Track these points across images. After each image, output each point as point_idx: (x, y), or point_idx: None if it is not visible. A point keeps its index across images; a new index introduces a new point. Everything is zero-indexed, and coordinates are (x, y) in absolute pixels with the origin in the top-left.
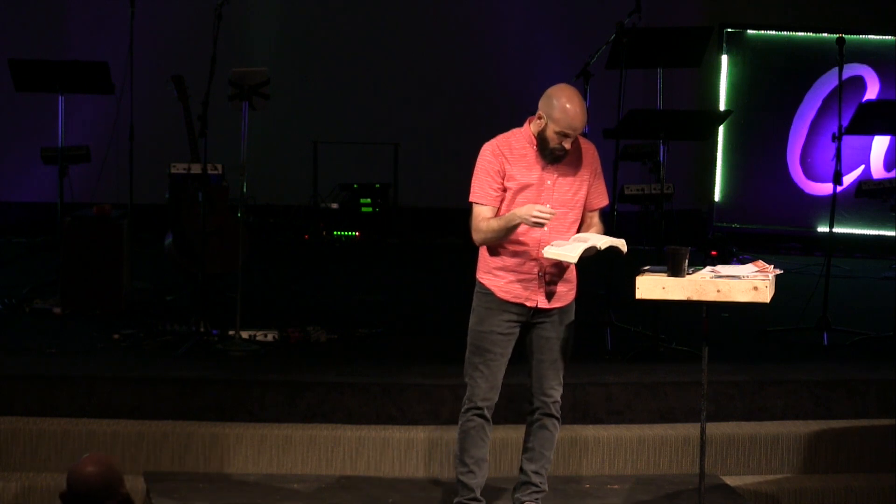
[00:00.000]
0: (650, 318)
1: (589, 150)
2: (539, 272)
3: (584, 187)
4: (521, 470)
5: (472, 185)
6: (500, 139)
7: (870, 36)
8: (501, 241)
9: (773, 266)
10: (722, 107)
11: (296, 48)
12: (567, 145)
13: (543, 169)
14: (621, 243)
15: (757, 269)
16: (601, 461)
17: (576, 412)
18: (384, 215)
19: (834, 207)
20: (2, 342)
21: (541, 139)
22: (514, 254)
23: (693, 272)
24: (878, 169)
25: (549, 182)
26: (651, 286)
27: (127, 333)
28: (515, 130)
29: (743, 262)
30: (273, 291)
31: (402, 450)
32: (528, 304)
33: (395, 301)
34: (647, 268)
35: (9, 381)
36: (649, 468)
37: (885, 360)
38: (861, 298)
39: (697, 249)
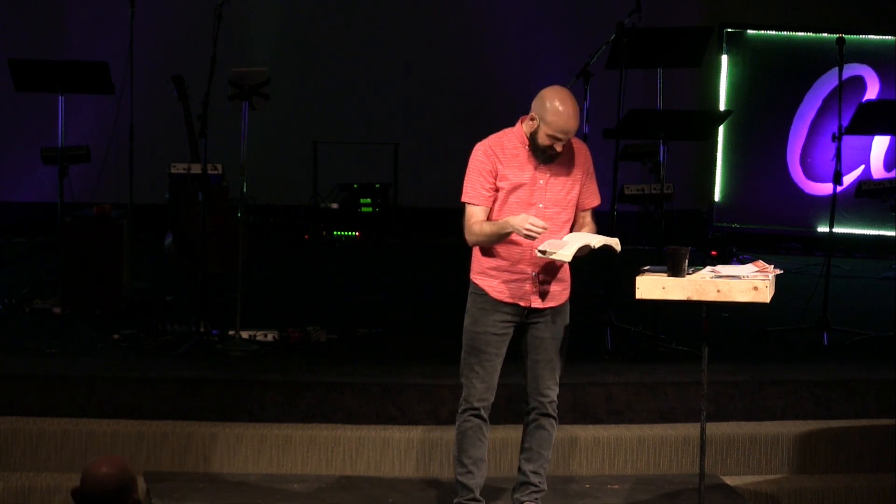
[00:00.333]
0: (650, 318)
1: (581, 150)
2: (533, 272)
3: (576, 187)
4: (520, 470)
5: (465, 185)
6: (493, 139)
7: (870, 36)
8: (494, 244)
9: (773, 266)
10: (722, 107)
11: (296, 48)
12: (559, 147)
13: (536, 169)
14: (615, 242)
15: (757, 269)
16: (601, 461)
17: (576, 412)
18: (384, 215)
19: (834, 207)
20: (2, 342)
21: (533, 140)
22: (508, 254)
23: (693, 272)
24: (878, 169)
25: (541, 182)
26: (651, 286)
27: (127, 333)
28: (507, 130)
29: (743, 262)
30: (273, 291)
31: (402, 450)
32: (522, 304)
33: (395, 301)
34: (647, 268)
35: (9, 381)
36: (649, 468)
37: (885, 360)
38: (861, 298)
39: (697, 249)
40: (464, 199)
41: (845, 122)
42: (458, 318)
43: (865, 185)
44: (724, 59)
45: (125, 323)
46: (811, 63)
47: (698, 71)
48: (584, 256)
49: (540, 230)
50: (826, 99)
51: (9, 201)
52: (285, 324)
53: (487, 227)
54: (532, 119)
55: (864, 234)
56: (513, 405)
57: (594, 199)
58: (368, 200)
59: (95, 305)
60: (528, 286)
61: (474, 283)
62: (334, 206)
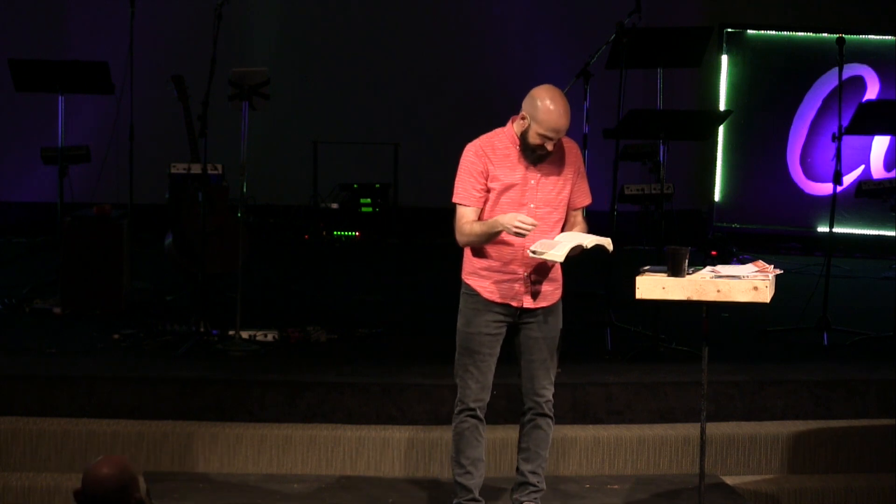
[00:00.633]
0: (650, 318)
1: (572, 150)
2: (524, 272)
3: (567, 186)
4: (518, 471)
5: (455, 185)
6: (483, 139)
7: (870, 36)
8: (484, 244)
9: (773, 266)
10: (722, 107)
11: (296, 48)
12: (550, 147)
13: (527, 168)
14: (607, 242)
15: (757, 269)
16: (601, 461)
17: (576, 412)
18: (384, 215)
19: (834, 207)
20: (2, 342)
21: (524, 139)
22: (500, 254)
23: (693, 272)
24: (878, 169)
25: (532, 182)
26: (651, 286)
27: (127, 333)
28: (498, 130)
29: (743, 262)
30: (273, 291)
31: (402, 450)
32: (515, 304)
33: (395, 301)
34: (647, 268)
35: (9, 381)
36: (649, 468)
37: (885, 360)
38: (861, 298)
39: (697, 249)
40: (454, 199)
41: (845, 122)
42: (458, 318)
43: (865, 185)
44: (724, 59)
45: (125, 323)
46: (811, 63)
47: (698, 71)
48: (577, 256)
49: (529, 227)
50: (826, 99)
51: (9, 201)
52: (285, 324)
53: (477, 227)
54: (523, 118)
55: (864, 234)
56: (512, 405)
57: (585, 199)
58: (368, 200)
59: (95, 305)
60: (519, 286)
61: (466, 283)
62: (334, 206)
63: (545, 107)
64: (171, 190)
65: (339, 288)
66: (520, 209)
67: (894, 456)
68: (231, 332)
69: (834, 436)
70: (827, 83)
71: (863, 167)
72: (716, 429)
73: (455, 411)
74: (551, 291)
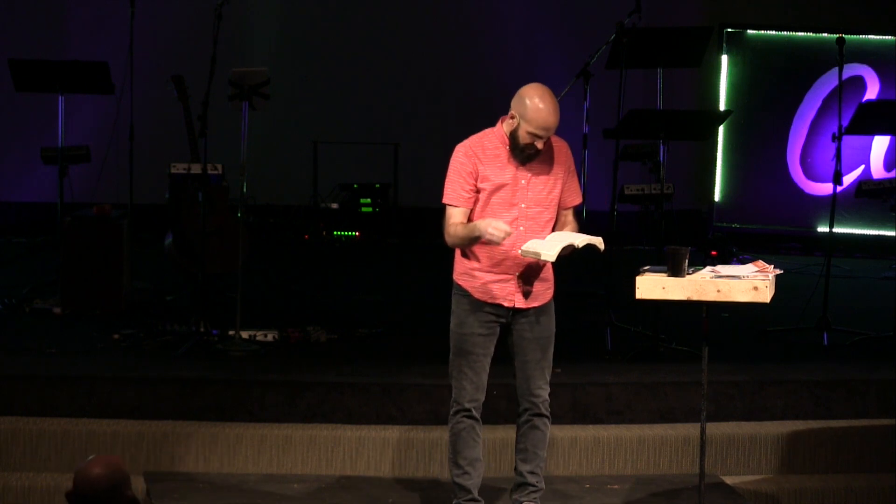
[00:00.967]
0: (650, 318)
1: (562, 149)
2: (516, 272)
3: (558, 185)
4: (517, 472)
5: (445, 186)
6: (473, 140)
7: (870, 36)
8: (469, 246)
9: (773, 266)
10: (722, 107)
11: (296, 48)
12: (540, 145)
13: (517, 168)
14: (598, 241)
15: (757, 269)
16: (601, 461)
17: (576, 412)
18: (384, 215)
19: (834, 207)
20: (2, 342)
21: (513, 139)
22: (491, 254)
23: (693, 272)
24: (878, 169)
25: (523, 181)
26: (651, 286)
27: (127, 333)
28: (488, 130)
29: (743, 262)
30: (273, 291)
31: (402, 450)
32: (506, 304)
33: (395, 301)
34: (647, 268)
35: (9, 381)
36: (649, 468)
37: (885, 360)
38: (861, 298)
39: (697, 249)
40: (444, 200)
41: (845, 122)
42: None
43: (865, 185)
44: (724, 59)
45: (125, 323)
46: (811, 63)
47: (698, 71)
48: (568, 256)
49: (502, 235)
50: (826, 99)
51: (9, 201)
52: (285, 324)
53: (461, 231)
54: (512, 118)
55: (864, 234)
56: (512, 405)
57: (576, 198)
58: (368, 200)
59: (95, 305)
60: (511, 286)
61: (458, 284)
62: (334, 206)
63: (534, 105)
64: (171, 190)
65: (339, 288)
66: (511, 209)
67: (894, 456)
68: (231, 332)
69: (834, 436)
70: (827, 83)
71: (863, 167)
72: (716, 429)
73: (451, 412)
74: (543, 291)
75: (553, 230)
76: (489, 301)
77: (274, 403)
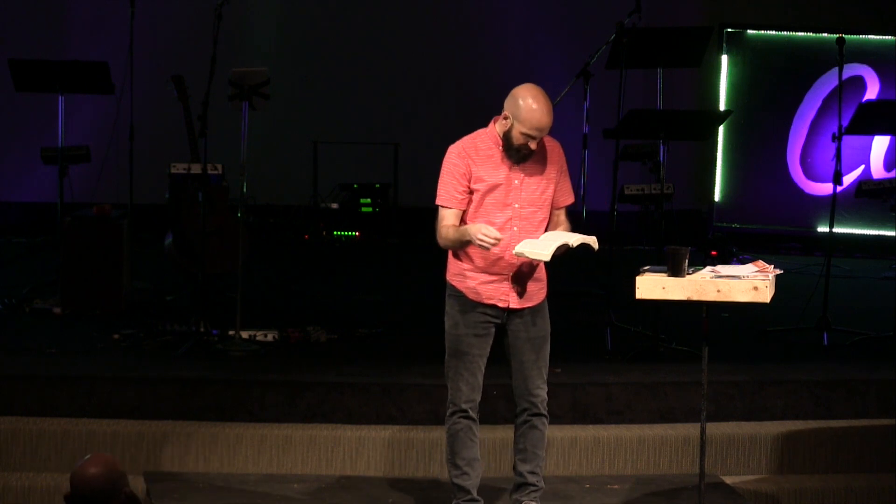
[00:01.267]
0: (650, 318)
1: (554, 149)
2: (510, 272)
3: (551, 186)
4: (517, 472)
5: (438, 187)
6: (466, 140)
7: (870, 36)
8: (460, 248)
9: (773, 266)
10: (722, 107)
11: (296, 48)
12: (533, 145)
13: (510, 169)
14: (592, 240)
15: (757, 269)
16: (601, 461)
17: (576, 412)
18: (384, 215)
19: (834, 207)
20: (2, 342)
21: (506, 139)
22: (485, 255)
23: (693, 272)
24: (878, 169)
25: (516, 182)
26: (651, 286)
27: (127, 333)
28: (481, 131)
29: (743, 262)
30: (273, 291)
31: (402, 450)
32: (501, 304)
33: (395, 301)
34: (647, 268)
35: (9, 381)
36: (649, 468)
37: (885, 360)
38: (861, 298)
39: (697, 249)
40: (437, 202)
41: (845, 122)
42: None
43: (865, 185)
44: (724, 59)
45: (125, 323)
46: (811, 63)
47: (698, 71)
48: (562, 255)
49: (493, 241)
50: (826, 99)
51: (9, 201)
52: (285, 324)
53: (452, 233)
54: (505, 118)
55: (864, 234)
56: (511, 405)
57: (568, 198)
58: (368, 200)
59: (95, 305)
60: (505, 287)
61: (451, 284)
62: (334, 206)
63: (528, 105)
64: (171, 190)
65: (339, 288)
66: (504, 209)
67: (894, 456)
68: (231, 332)
69: (834, 436)
70: (827, 83)
71: (863, 167)
72: (716, 429)
73: (447, 413)
74: (536, 291)
75: (546, 230)
76: (483, 302)
77: (274, 403)
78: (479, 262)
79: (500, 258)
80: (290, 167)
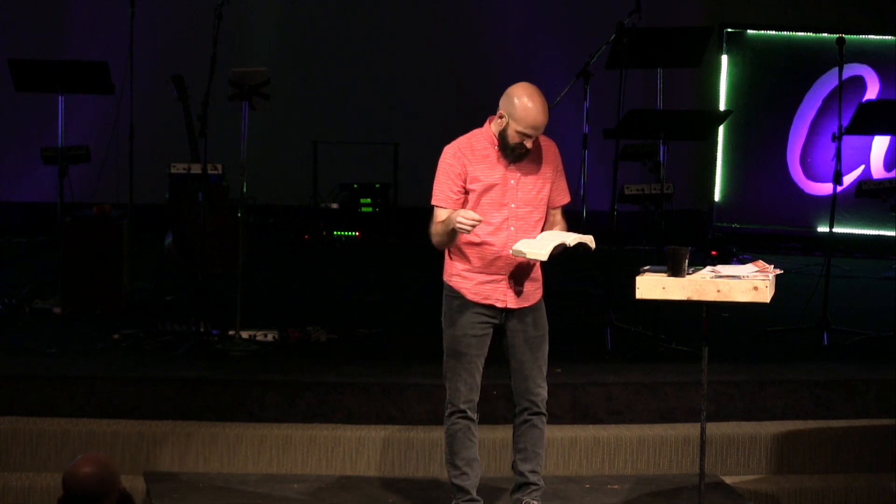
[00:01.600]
0: (650, 318)
1: (550, 148)
2: (507, 272)
3: (547, 185)
4: (517, 471)
5: (433, 187)
6: (462, 140)
7: (870, 36)
8: (451, 245)
9: (773, 266)
10: (722, 107)
11: (296, 48)
12: (528, 144)
13: (506, 168)
14: (589, 239)
15: (757, 269)
16: (601, 461)
17: (576, 412)
18: (384, 215)
19: (834, 207)
20: (2, 342)
21: (502, 138)
22: (481, 255)
23: (693, 272)
24: (878, 169)
25: (512, 181)
26: (651, 286)
27: (127, 333)
28: (477, 131)
29: (743, 262)
30: (273, 291)
31: (402, 450)
32: (498, 304)
33: (395, 301)
34: (647, 268)
35: (9, 381)
36: (649, 468)
37: (885, 360)
38: (861, 298)
39: (697, 249)
40: (432, 201)
41: (845, 122)
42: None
43: (865, 185)
44: (724, 59)
45: (125, 323)
46: (811, 63)
47: (698, 71)
48: (559, 255)
49: (471, 222)
50: (826, 99)
51: (9, 201)
52: (285, 324)
53: (439, 227)
54: (500, 117)
55: (864, 234)
56: (510, 405)
57: (564, 197)
58: (368, 200)
59: (95, 305)
60: (502, 287)
61: (449, 285)
62: (334, 206)
63: (523, 104)
64: (171, 190)
65: (339, 288)
66: (500, 209)
67: (894, 456)
68: (231, 332)
69: (834, 436)
70: (827, 83)
71: (863, 167)
72: (716, 429)
73: (446, 413)
74: (533, 291)
75: (543, 230)
76: (481, 302)
77: (274, 403)
78: (475, 262)
79: (498, 258)
80: (290, 167)
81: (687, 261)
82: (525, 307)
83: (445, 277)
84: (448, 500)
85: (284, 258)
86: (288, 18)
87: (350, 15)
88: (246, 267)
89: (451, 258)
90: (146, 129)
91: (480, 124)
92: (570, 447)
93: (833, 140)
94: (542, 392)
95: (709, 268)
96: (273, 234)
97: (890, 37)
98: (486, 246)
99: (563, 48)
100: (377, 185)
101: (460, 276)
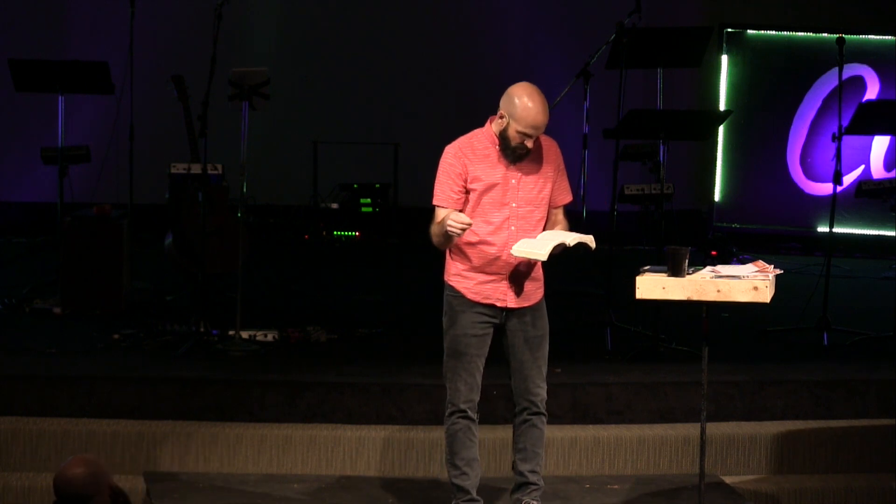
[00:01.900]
0: (650, 318)
1: (551, 148)
2: (507, 272)
3: (548, 185)
4: (517, 471)
5: (435, 187)
6: (463, 140)
7: (870, 36)
8: (450, 245)
9: (773, 266)
10: (722, 107)
11: (296, 48)
12: (529, 144)
13: (507, 168)
14: (590, 239)
15: (757, 269)
16: (601, 461)
17: (576, 412)
18: (384, 215)
19: (834, 207)
20: (2, 342)
21: (503, 138)
22: (482, 254)
23: (693, 272)
24: (878, 169)
25: (513, 181)
26: (651, 286)
27: (127, 333)
28: (477, 131)
29: (743, 262)
30: (273, 291)
31: (402, 450)
32: (499, 304)
33: (395, 301)
34: (647, 268)
35: (9, 381)
36: (649, 468)
37: (885, 360)
38: (861, 298)
39: (697, 249)
40: (433, 201)
41: (845, 122)
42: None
43: (865, 185)
44: (724, 59)
45: (125, 323)
46: (811, 63)
47: (698, 71)
48: (559, 254)
49: (460, 226)
50: (826, 99)
51: (9, 201)
52: (285, 324)
53: (436, 228)
54: (501, 117)
55: (864, 234)
56: (511, 405)
57: (566, 197)
58: (368, 200)
59: (95, 305)
60: (503, 286)
61: (449, 285)
62: (334, 206)
63: (523, 104)
64: (171, 190)
65: (339, 288)
66: (502, 209)
67: (894, 456)
68: (231, 332)
69: (834, 436)
70: (827, 83)
71: (863, 167)
72: (716, 429)
73: (446, 413)
74: (534, 290)
75: (544, 229)
76: (482, 301)
77: (274, 403)
78: (476, 261)
79: (498, 258)
80: (290, 167)
81: (687, 261)
82: (525, 307)
83: (446, 277)
84: (448, 500)
85: (284, 258)
86: (288, 18)
87: (350, 15)
88: (246, 267)
89: (451, 258)
90: (146, 129)
91: (480, 124)
92: (570, 447)
93: (833, 140)
94: (542, 392)
95: (709, 268)
96: (273, 234)
97: (890, 37)
98: (486, 245)
99: (563, 48)
100: (377, 185)
101: (461, 275)
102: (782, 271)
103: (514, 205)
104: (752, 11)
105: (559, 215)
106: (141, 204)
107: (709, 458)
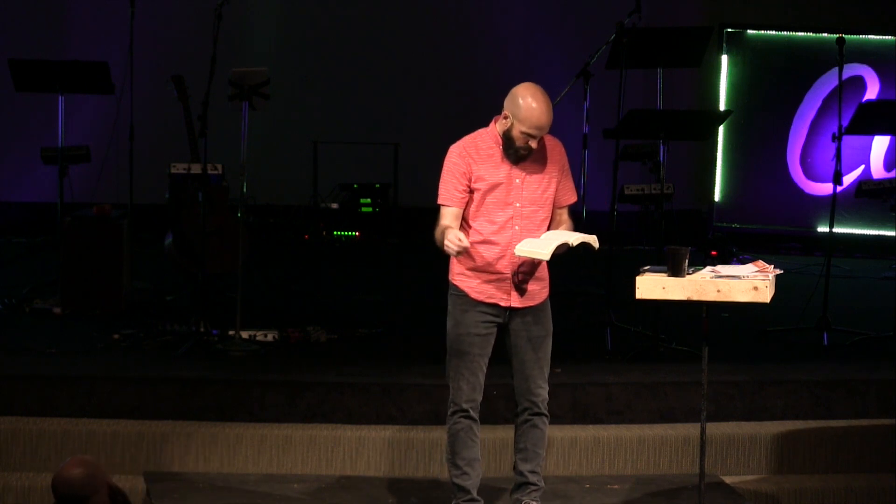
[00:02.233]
0: (650, 318)
1: (556, 148)
2: (511, 271)
3: (552, 185)
4: (518, 471)
5: (439, 187)
6: (467, 140)
7: (870, 36)
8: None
9: (773, 266)
10: (722, 107)
11: (296, 48)
12: (533, 144)
13: (511, 167)
14: (593, 239)
15: (757, 269)
16: (601, 461)
17: (576, 412)
18: (384, 215)
19: (834, 207)
20: (2, 342)
21: (507, 138)
22: (486, 254)
23: (693, 272)
24: (878, 169)
25: (517, 181)
26: (651, 286)
27: (127, 333)
28: (481, 130)
29: (743, 262)
30: (273, 291)
31: (402, 450)
32: (503, 303)
33: (395, 301)
34: (647, 268)
35: (9, 381)
36: (649, 468)
37: (885, 360)
38: (861, 298)
39: (697, 249)
40: (438, 201)
41: (845, 122)
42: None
43: (865, 185)
44: (724, 59)
45: (125, 323)
46: (811, 63)
47: (698, 71)
48: (563, 255)
49: (456, 248)
50: (826, 99)
51: (9, 201)
52: (285, 324)
53: (438, 234)
54: (505, 117)
55: (864, 234)
56: (511, 405)
57: (571, 197)
58: (368, 200)
59: (95, 305)
60: (506, 286)
61: (453, 284)
62: (334, 206)
63: (527, 104)
64: (171, 190)
65: (339, 288)
66: (505, 208)
67: (894, 456)
68: (231, 332)
69: (834, 436)
70: (827, 83)
71: (863, 167)
72: (716, 429)
73: (448, 413)
74: (538, 290)
75: (548, 229)
76: (485, 301)
77: (274, 403)
78: (480, 261)
79: (502, 257)
80: (290, 167)
81: (687, 261)
82: (529, 306)
83: (451, 276)
84: (448, 500)
85: (284, 258)
86: (288, 18)
87: (350, 15)
88: (246, 267)
89: (455, 258)
90: (146, 129)
91: (480, 124)
92: (570, 447)
93: (833, 140)
94: (543, 392)
95: (709, 268)
96: (273, 234)
97: (890, 37)
98: (490, 245)
99: (563, 48)
100: (377, 185)
101: (465, 274)
102: (782, 271)
103: (518, 204)
104: (752, 11)
105: (564, 215)
106: (141, 204)
107: (709, 458)
